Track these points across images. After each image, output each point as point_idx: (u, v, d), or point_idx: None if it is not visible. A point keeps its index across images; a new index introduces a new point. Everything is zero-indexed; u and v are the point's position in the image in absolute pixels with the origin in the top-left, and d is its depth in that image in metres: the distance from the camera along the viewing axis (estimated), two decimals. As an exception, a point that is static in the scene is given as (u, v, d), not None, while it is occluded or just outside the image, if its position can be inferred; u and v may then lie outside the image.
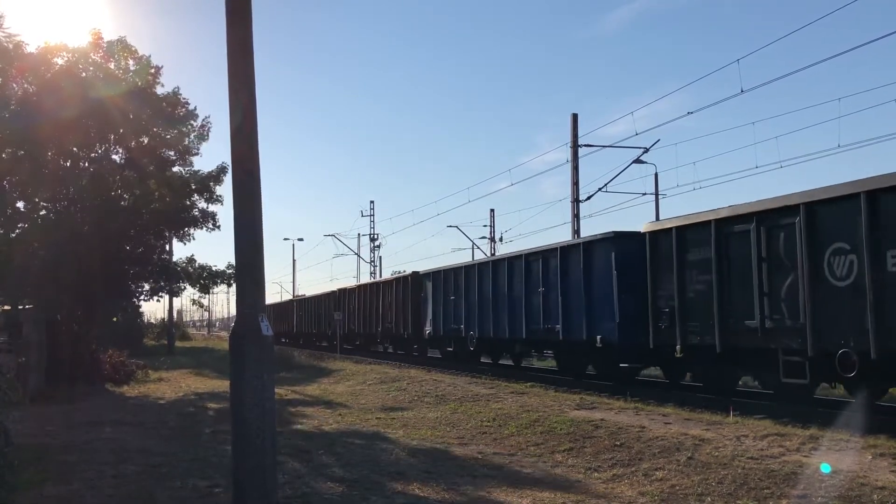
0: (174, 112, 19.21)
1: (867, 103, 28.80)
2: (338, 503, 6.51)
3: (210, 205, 20.33)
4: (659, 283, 14.24)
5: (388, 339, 31.86)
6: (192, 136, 19.66)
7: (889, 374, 10.11)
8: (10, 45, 15.71)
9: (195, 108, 19.61)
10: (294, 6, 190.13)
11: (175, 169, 19.84)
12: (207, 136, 19.78)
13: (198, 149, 20.00)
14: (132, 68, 18.91)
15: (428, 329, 25.70)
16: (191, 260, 22.68)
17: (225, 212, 20.75)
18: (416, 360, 26.32)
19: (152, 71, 19.00)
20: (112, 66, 18.71)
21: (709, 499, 6.60)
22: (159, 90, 19.28)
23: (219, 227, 20.55)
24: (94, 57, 18.32)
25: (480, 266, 22.43)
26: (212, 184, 20.02)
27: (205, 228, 20.51)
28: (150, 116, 18.68)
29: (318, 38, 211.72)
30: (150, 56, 19.26)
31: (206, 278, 22.57)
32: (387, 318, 30.35)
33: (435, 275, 25.53)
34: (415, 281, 27.48)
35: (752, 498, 6.44)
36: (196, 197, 20.15)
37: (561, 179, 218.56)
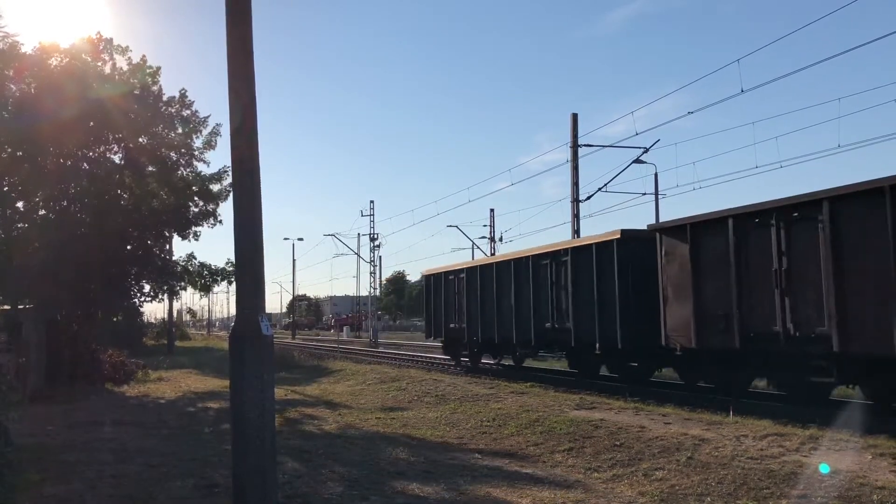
0: (176, 113, 19.17)
1: (867, 103, 28.83)
2: (338, 503, 6.51)
3: (211, 204, 20.30)
4: None
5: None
6: (199, 142, 19.61)
7: None
8: (6, 45, 15.69)
9: (208, 116, 19.59)
10: (294, 6, 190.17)
11: (178, 172, 19.77)
12: (215, 143, 19.69)
13: (203, 156, 19.94)
14: (125, 68, 18.89)
15: None
16: (191, 257, 22.62)
17: (225, 207, 20.69)
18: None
19: (150, 71, 18.97)
20: (102, 65, 18.67)
21: (709, 499, 6.60)
22: (160, 90, 19.28)
23: (220, 221, 20.56)
24: (86, 57, 18.30)
25: None
26: (213, 185, 20.02)
27: (205, 225, 20.54)
28: (149, 117, 18.65)
29: (318, 38, 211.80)
30: (144, 56, 19.24)
31: (206, 277, 22.51)
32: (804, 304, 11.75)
33: None
34: None
35: (751, 498, 6.44)
36: (197, 199, 20.13)
37: (561, 179, 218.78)
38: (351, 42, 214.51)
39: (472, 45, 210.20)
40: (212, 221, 20.44)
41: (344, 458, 8.73)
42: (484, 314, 21.13)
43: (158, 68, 19.10)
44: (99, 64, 18.57)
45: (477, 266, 22.46)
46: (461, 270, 23.33)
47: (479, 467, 8.32)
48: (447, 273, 24.57)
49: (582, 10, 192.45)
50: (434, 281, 25.70)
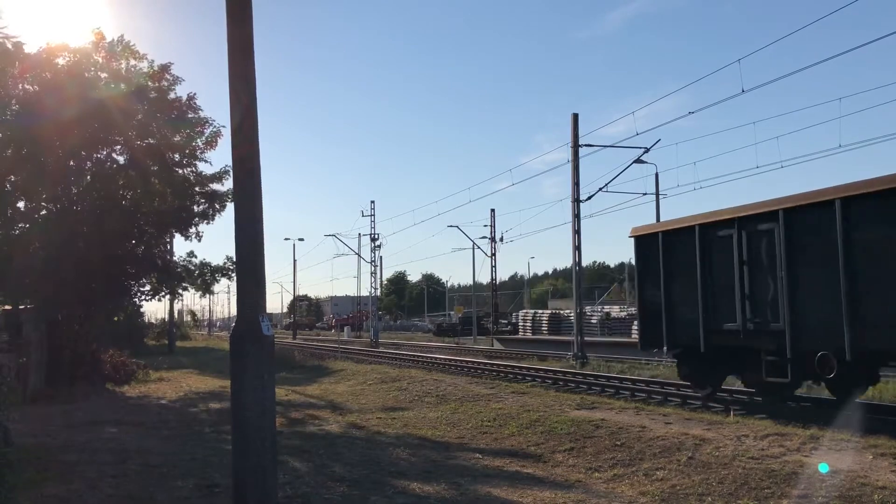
0: (184, 116, 19.11)
1: (867, 103, 28.67)
2: (338, 503, 6.51)
3: (215, 203, 20.26)
4: None
5: None
6: (199, 142, 19.55)
7: None
8: (10, 45, 15.66)
9: (214, 120, 19.56)
10: (295, 6, 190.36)
11: (180, 172, 19.74)
12: (216, 144, 19.63)
13: (204, 155, 19.88)
14: (138, 69, 18.85)
15: None
16: (190, 254, 22.60)
17: (225, 206, 20.62)
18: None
19: (169, 77, 18.94)
20: (115, 65, 18.64)
21: (709, 499, 6.60)
22: (172, 94, 19.21)
23: (219, 213, 20.53)
24: (96, 57, 18.27)
25: None
26: (215, 185, 20.03)
27: (204, 222, 20.53)
28: (158, 119, 18.62)
29: (319, 37, 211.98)
30: (171, 63, 19.21)
31: (206, 275, 22.48)
32: None
33: None
34: None
35: (752, 498, 6.43)
36: (199, 199, 20.10)
37: (561, 179, 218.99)
38: (351, 42, 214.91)
39: (473, 46, 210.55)
40: (209, 219, 20.45)
41: (345, 457, 8.73)
42: (861, 300, 10.14)
43: (179, 78, 19.08)
44: (114, 64, 18.55)
45: (835, 199, 10.31)
46: (764, 216, 11.51)
47: (479, 467, 8.32)
48: (710, 227, 12.53)
49: (582, 10, 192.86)
50: (667, 246, 13.46)
